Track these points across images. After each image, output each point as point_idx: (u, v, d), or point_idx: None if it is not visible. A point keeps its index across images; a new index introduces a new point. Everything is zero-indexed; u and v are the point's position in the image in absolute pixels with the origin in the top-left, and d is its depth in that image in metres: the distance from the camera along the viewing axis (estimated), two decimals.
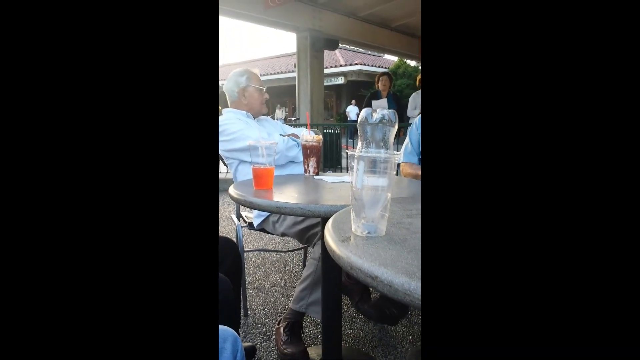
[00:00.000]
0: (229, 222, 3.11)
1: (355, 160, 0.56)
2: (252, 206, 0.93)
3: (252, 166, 1.05)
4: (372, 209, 0.57)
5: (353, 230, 0.58)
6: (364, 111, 0.58)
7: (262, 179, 1.03)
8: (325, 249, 1.22)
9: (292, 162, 1.62)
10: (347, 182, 1.20)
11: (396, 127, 0.58)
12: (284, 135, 1.63)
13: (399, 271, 0.44)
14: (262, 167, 1.03)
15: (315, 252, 1.33)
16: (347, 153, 5.16)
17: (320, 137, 1.31)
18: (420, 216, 0.70)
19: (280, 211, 0.88)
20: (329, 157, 5.51)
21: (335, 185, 1.12)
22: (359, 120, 0.58)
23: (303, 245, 1.84)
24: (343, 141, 5.92)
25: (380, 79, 4.52)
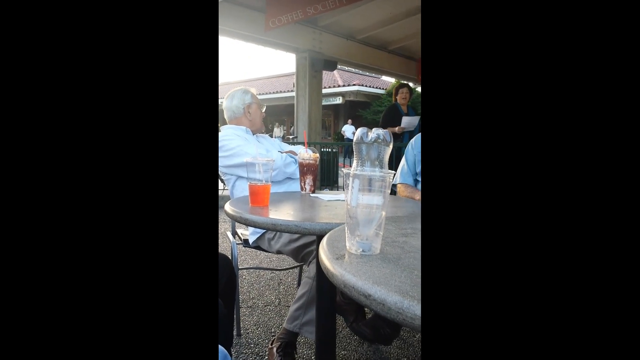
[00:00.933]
0: (224, 239, 3.09)
1: (351, 179, 0.57)
2: (247, 223, 0.93)
3: (248, 182, 1.05)
4: (366, 227, 0.57)
5: (347, 248, 0.58)
6: (359, 130, 0.59)
7: (258, 196, 1.03)
8: (320, 268, 1.22)
9: (289, 178, 1.63)
10: (343, 200, 1.20)
11: (391, 146, 0.59)
12: (282, 152, 1.64)
13: (392, 290, 0.44)
14: (259, 183, 1.04)
15: (310, 270, 1.32)
16: (342, 171, 5.19)
17: (317, 155, 1.32)
18: (415, 235, 0.70)
19: (275, 228, 0.88)
20: (325, 176, 5.53)
21: (331, 203, 1.12)
22: (354, 139, 0.59)
23: (298, 264, 1.83)
24: (340, 160, 5.94)
25: (400, 91, 4.01)
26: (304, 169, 1.31)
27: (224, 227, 3.50)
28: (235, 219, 0.97)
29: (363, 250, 0.57)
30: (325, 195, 1.25)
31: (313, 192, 1.32)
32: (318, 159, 1.32)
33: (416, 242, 0.65)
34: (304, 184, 1.32)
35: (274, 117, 15.69)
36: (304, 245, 1.37)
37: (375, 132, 0.58)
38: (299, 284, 2.15)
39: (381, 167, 0.58)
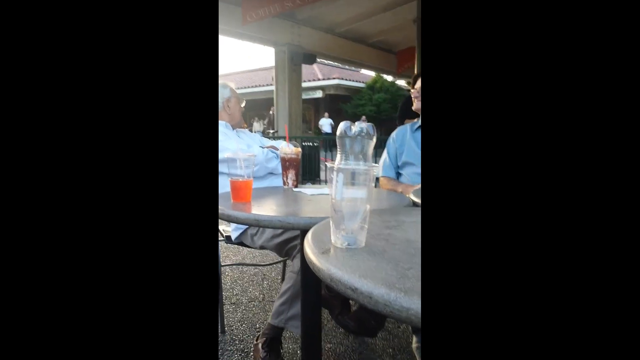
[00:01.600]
0: None
1: (335, 172, 0.57)
2: (229, 219, 0.92)
3: (229, 178, 1.04)
4: (351, 220, 0.57)
5: (333, 242, 0.58)
6: (342, 124, 0.59)
7: (240, 192, 1.02)
8: (304, 262, 1.22)
9: (271, 174, 1.62)
10: (326, 193, 1.20)
11: (374, 139, 0.59)
12: (263, 147, 1.63)
13: (378, 282, 0.44)
14: (240, 179, 1.02)
15: (294, 265, 1.32)
16: (326, 165, 5.20)
17: (299, 149, 1.31)
18: (399, 228, 0.70)
19: (258, 224, 0.87)
20: (307, 169, 5.52)
21: (314, 197, 1.12)
22: (337, 133, 0.59)
23: (282, 259, 1.83)
24: (321, 154, 5.94)
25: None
26: (286, 163, 1.30)
27: None
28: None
29: (348, 244, 0.57)
30: (309, 190, 1.24)
31: (296, 186, 1.32)
32: (300, 153, 1.31)
33: (400, 234, 0.65)
34: (287, 179, 1.31)
35: (254, 112, 15.53)
36: (287, 240, 1.37)
37: (358, 126, 0.58)
38: (283, 279, 2.15)
39: (365, 160, 0.58)
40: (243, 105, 1.75)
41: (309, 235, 0.63)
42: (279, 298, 1.33)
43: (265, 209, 0.98)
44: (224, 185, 1.57)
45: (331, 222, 0.58)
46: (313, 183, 5.36)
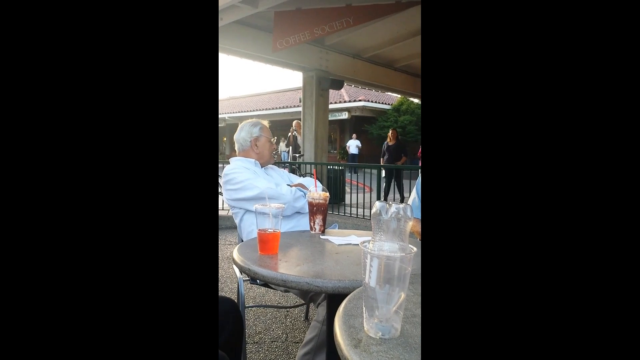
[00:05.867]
0: (230, 265, 3.04)
1: (369, 257, 0.53)
2: (256, 277, 0.90)
3: (257, 229, 1.02)
4: (385, 307, 0.53)
5: (365, 330, 0.55)
6: (378, 204, 0.56)
7: (267, 244, 1.00)
8: (330, 313, 1.18)
9: (298, 213, 1.59)
10: (354, 244, 1.16)
11: (411, 222, 0.55)
12: (290, 185, 1.61)
13: None
14: (269, 231, 1.00)
15: (319, 314, 1.27)
16: (351, 187, 5.15)
17: (327, 194, 1.29)
18: None
19: (285, 284, 0.84)
20: (332, 193, 5.50)
21: (341, 249, 1.09)
22: (372, 212, 0.56)
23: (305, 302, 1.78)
24: (347, 175, 5.92)
25: None
26: (314, 208, 1.28)
27: (229, 250, 3.46)
28: (244, 271, 0.93)
29: (382, 334, 0.53)
30: (336, 239, 1.21)
31: (323, 232, 1.29)
32: (328, 198, 1.29)
33: None
34: (314, 224, 1.29)
35: (280, 132, 15.78)
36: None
37: (395, 207, 0.55)
38: (306, 317, 2.10)
39: (401, 240, 0.55)
40: (274, 142, 1.75)
41: (338, 317, 0.60)
42: (303, 347, 1.29)
43: (291, 264, 0.96)
44: (251, 223, 1.56)
45: (364, 308, 0.55)
46: (339, 207, 5.32)
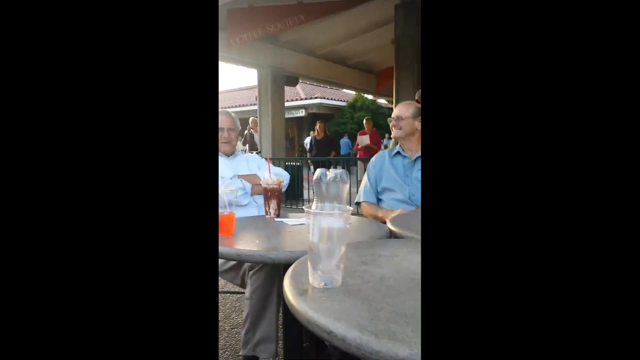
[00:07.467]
0: None
1: (311, 217, 0.60)
2: None
3: None
4: (328, 261, 0.61)
5: (310, 282, 0.62)
6: (318, 171, 0.63)
7: (223, 226, 1.05)
8: (264, 281, 1.24)
9: (255, 202, 1.63)
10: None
11: (348, 184, 0.63)
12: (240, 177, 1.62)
13: (351, 325, 0.47)
14: (225, 212, 1.05)
15: (247, 292, 1.32)
16: (308, 182, 5.17)
17: (281, 180, 1.35)
18: (374, 263, 0.74)
19: (240, 258, 0.90)
20: (291, 189, 5.54)
21: (295, 228, 1.15)
22: (314, 179, 0.63)
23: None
24: (304, 172, 5.99)
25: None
26: (268, 193, 1.33)
27: None
28: None
29: (325, 284, 0.60)
30: (290, 220, 1.27)
31: (277, 216, 1.35)
32: (282, 184, 1.35)
33: (375, 270, 0.69)
34: (269, 208, 1.34)
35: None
36: (237, 265, 1.38)
37: (333, 172, 0.62)
38: None
39: (340, 203, 0.63)
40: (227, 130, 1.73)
41: (288, 275, 0.66)
42: (242, 328, 1.34)
43: (247, 242, 1.01)
44: None
45: (309, 263, 0.62)
46: (297, 202, 5.38)
